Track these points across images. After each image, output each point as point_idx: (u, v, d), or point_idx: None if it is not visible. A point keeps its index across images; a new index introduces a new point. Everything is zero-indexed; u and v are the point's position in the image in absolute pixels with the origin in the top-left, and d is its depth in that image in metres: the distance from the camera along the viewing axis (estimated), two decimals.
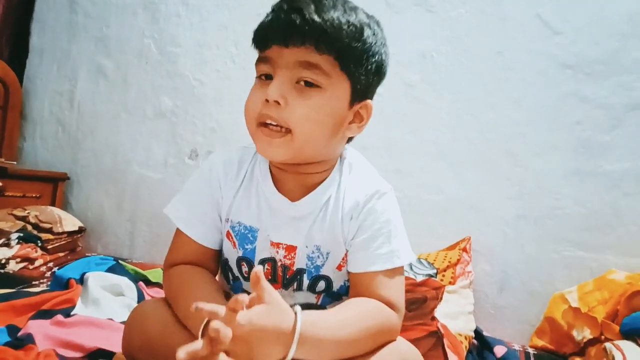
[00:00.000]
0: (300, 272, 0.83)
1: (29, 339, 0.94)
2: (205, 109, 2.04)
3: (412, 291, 1.22)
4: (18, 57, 2.35)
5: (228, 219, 0.86)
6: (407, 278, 1.28)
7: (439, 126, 1.73)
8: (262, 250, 0.84)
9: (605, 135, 1.53)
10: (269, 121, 0.75)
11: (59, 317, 1.05)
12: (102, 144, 2.19)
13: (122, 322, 1.07)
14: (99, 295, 1.20)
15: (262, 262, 0.84)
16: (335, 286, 0.85)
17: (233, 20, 2.03)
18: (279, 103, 0.73)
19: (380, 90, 1.82)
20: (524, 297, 1.57)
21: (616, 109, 1.53)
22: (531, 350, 1.41)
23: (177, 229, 0.87)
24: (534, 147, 1.61)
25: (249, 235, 0.85)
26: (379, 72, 0.82)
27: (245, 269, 0.86)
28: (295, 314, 0.64)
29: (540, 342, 1.42)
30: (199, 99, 2.05)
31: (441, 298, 1.19)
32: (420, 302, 1.18)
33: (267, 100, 0.74)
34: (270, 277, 0.85)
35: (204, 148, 2.02)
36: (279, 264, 0.84)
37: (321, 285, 0.84)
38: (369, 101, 0.83)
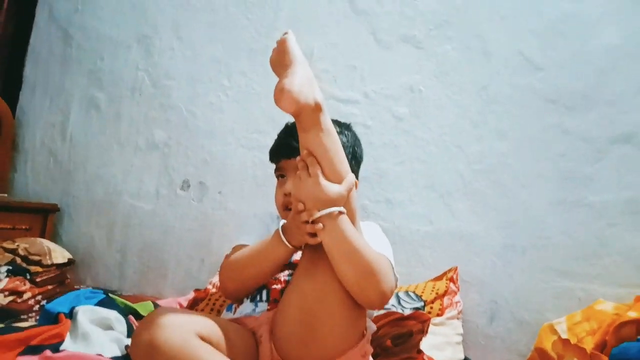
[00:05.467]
0: None
1: None
2: (198, 141, 2.06)
3: (397, 326, 1.23)
4: (11, 89, 2.38)
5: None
6: (393, 313, 1.28)
7: (428, 158, 1.77)
8: None
9: (588, 167, 1.57)
10: (290, 205, 1.02)
11: (48, 352, 1.04)
12: (93, 175, 2.20)
13: (112, 358, 1.07)
14: (88, 329, 1.18)
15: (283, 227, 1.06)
16: None
17: (226, 54, 2.08)
18: None
19: (369, 122, 1.88)
20: (513, 327, 1.58)
21: (598, 142, 1.57)
22: None
23: (232, 249, 1.15)
24: (520, 178, 1.64)
25: None
26: (356, 158, 1.18)
27: None
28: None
29: None
30: (192, 131, 2.08)
31: (426, 331, 1.20)
32: (406, 337, 1.18)
33: (285, 194, 1.12)
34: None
35: (196, 179, 2.04)
36: None
37: None
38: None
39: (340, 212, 0.88)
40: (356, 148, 1.19)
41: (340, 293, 0.89)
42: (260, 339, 0.96)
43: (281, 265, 1.04)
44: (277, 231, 1.01)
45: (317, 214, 0.87)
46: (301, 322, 0.88)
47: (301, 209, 0.90)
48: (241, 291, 1.10)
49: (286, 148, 1.14)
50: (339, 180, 0.90)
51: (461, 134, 1.74)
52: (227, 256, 1.14)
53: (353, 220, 0.92)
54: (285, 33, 0.98)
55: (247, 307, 1.08)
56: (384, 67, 1.86)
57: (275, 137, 1.25)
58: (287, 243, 0.98)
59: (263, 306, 1.06)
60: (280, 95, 0.84)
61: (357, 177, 1.18)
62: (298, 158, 0.92)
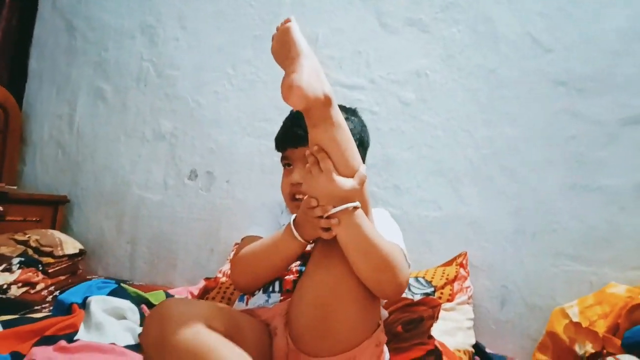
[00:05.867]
0: None
1: None
2: (204, 130, 2.06)
3: (408, 311, 1.23)
4: (17, 82, 2.38)
5: (280, 224, 1.18)
6: (404, 299, 1.28)
7: (436, 143, 1.75)
8: None
9: (600, 151, 1.55)
10: (297, 195, 1.13)
11: (62, 342, 1.05)
12: (101, 167, 2.20)
13: (126, 347, 1.08)
14: (101, 319, 1.19)
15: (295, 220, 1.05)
16: None
17: (230, 43, 2.06)
18: (301, 183, 1.09)
19: (376, 108, 1.87)
20: (525, 311, 1.58)
21: (610, 125, 1.55)
22: None
23: (242, 240, 1.15)
24: (530, 162, 1.63)
25: None
26: (362, 144, 1.16)
27: None
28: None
29: (542, 357, 1.42)
30: (198, 121, 2.07)
31: (437, 316, 1.19)
32: (416, 322, 1.18)
33: (292, 184, 1.13)
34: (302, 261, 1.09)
35: (203, 169, 2.04)
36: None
37: None
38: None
39: (355, 207, 0.86)
40: (363, 134, 1.18)
41: (355, 285, 0.88)
42: (275, 330, 0.96)
43: (294, 258, 1.03)
44: (288, 225, 0.99)
45: (333, 211, 0.85)
46: (317, 315, 0.87)
47: (314, 204, 0.87)
48: (253, 285, 1.09)
49: (292, 137, 1.13)
50: (351, 174, 0.87)
51: (469, 118, 1.72)
52: (238, 247, 1.13)
53: (366, 212, 0.90)
54: (288, 21, 0.92)
55: (259, 298, 1.08)
56: (390, 52, 1.84)
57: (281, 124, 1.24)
58: (299, 237, 0.97)
59: (276, 297, 1.06)
60: (289, 92, 0.81)
61: (363, 162, 1.17)
62: (307, 152, 0.89)
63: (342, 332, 0.88)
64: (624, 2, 1.58)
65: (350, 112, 1.18)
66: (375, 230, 0.90)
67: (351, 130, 1.09)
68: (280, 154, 1.20)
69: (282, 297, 1.05)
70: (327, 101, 0.84)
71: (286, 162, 1.18)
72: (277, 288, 1.08)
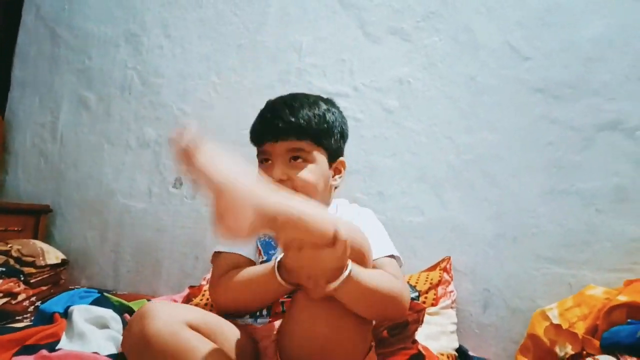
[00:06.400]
0: None
1: None
2: None
3: None
4: (0, 90, 2.36)
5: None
6: None
7: (418, 149, 1.78)
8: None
9: (576, 155, 1.59)
10: None
11: (44, 352, 1.04)
12: (85, 175, 2.19)
13: (108, 356, 1.07)
14: (84, 328, 1.19)
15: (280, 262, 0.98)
16: None
17: (215, 51, 2.07)
18: (283, 180, 1.02)
19: (360, 115, 1.89)
20: (506, 315, 1.60)
21: (586, 130, 1.59)
22: None
23: (215, 256, 1.10)
24: (510, 168, 1.66)
25: (272, 243, 1.09)
26: (343, 136, 1.15)
27: None
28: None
29: None
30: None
31: (422, 321, 1.21)
32: (401, 327, 1.19)
33: (274, 180, 1.01)
34: None
35: (188, 176, 2.04)
36: None
37: None
38: (341, 158, 1.16)
39: (350, 271, 0.79)
40: (344, 126, 1.15)
41: (352, 315, 0.85)
42: (265, 351, 0.95)
43: (284, 295, 0.99)
44: (273, 270, 0.92)
45: (331, 286, 0.78)
46: (313, 346, 0.84)
47: (306, 279, 0.80)
48: (238, 312, 1.05)
49: (272, 130, 1.05)
50: (329, 239, 0.72)
51: (451, 125, 1.75)
52: (215, 266, 1.09)
53: (363, 259, 0.84)
54: (188, 144, 0.71)
55: (247, 318, 1.06)
56: (373, 60, 1.87)
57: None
58: (287, 285, 0.91)
59: (264, 320, 1.04)
60: (233, 237, 0.69)
61: (343, 154, 1.17)
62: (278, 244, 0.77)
63: (338, 359, 0.86)
64: (599, 10, 1.62)
65: (329, 103, 1.14)
66: (372, 274, 0.85)
67: (332, 122, 1.09)
68: (255, 149, 1.12)
69: (270, 319, 1.03)
70: (263, 218, 0.69)
71: (264, 158, 1.08)
72: (264, 312, 1.06)
